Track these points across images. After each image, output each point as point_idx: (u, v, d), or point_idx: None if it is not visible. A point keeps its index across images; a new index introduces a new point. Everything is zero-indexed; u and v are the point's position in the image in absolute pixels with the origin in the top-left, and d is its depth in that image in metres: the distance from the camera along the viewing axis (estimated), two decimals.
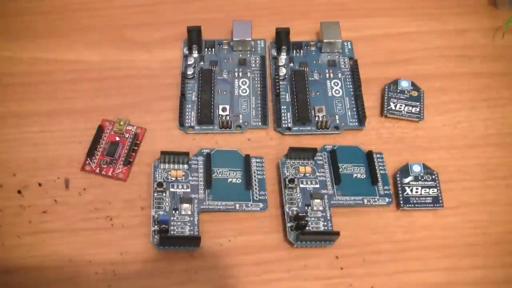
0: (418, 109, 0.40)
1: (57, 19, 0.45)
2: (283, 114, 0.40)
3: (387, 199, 0.36)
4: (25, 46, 0.43)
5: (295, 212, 0.35)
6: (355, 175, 0.37)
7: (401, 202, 0.36)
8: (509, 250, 0.35)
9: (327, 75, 0.42)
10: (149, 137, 0.39)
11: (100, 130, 0.39)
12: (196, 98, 0.40)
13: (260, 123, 0.40)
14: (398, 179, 0.37)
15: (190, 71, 0.41)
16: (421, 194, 0.36)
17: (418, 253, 0.35)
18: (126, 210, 0.36)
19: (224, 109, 0.40)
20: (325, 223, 0.35)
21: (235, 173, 0.37)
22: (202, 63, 0.42)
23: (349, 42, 0.44)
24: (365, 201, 0.36)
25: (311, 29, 0.45)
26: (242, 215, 0.36)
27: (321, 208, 0.36)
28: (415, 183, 0.37)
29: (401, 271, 0.34)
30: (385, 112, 0.40)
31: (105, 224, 0.35)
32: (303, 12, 0.46)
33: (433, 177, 0.37)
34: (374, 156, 0.38)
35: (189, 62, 0.42)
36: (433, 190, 0.37)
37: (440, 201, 0.36)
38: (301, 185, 0.36)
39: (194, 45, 0.42)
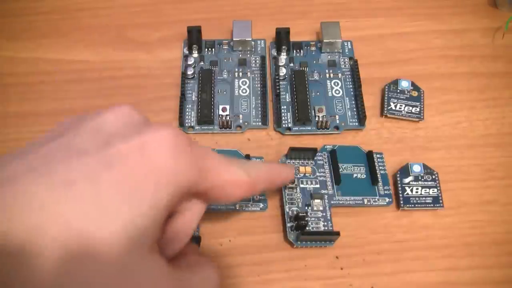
0: (418, 109, 0.40)
1: (58, 19, 0.45)
2: (283, 114, 0.40)
3: (387, 199, 0.36)
4: (25, 46, 0.43)
5: (295, 212, 0.35)
6: (355, 175, 0.37)
7: (401, 202, 0.36)
8: (509, 250, 0.35)
9: (327, 75, 0.42)
10: None
11: None
12: (196, 98, 0.41)
13: (260, 123, 0.40)
14: (398, 179, 0.37)
15: (190, 71, 0.41)
16: (421, 194, 0.36)
17: (418, 253, 0.35)
18: None
19: (224, 109, 0.40)
20: (325, 223, 0.35)
21: None
22: (202, 63, 0.42)
23: (349, 42, 0.44)
24: (365, 201, 0.36)
25: (311, 29, 0.45)
26: (242, 215, 0.36)
27: (321, 208, 0.36)
28: (415, 183, 0.37)
29: (401, 271, 0.34)
30: (385, 112, 0.40)
31: None
32: (303, 12, 0.46)
33: (433, 177, 0.37)
34: (374, 156, 0.38)
35: (189, 62, 0.42)
36: (433, 190, 0.37)
37: (440, 201, 0.36)
38: (301, 185, 0.36)
39: (194, 45, 0.42)
